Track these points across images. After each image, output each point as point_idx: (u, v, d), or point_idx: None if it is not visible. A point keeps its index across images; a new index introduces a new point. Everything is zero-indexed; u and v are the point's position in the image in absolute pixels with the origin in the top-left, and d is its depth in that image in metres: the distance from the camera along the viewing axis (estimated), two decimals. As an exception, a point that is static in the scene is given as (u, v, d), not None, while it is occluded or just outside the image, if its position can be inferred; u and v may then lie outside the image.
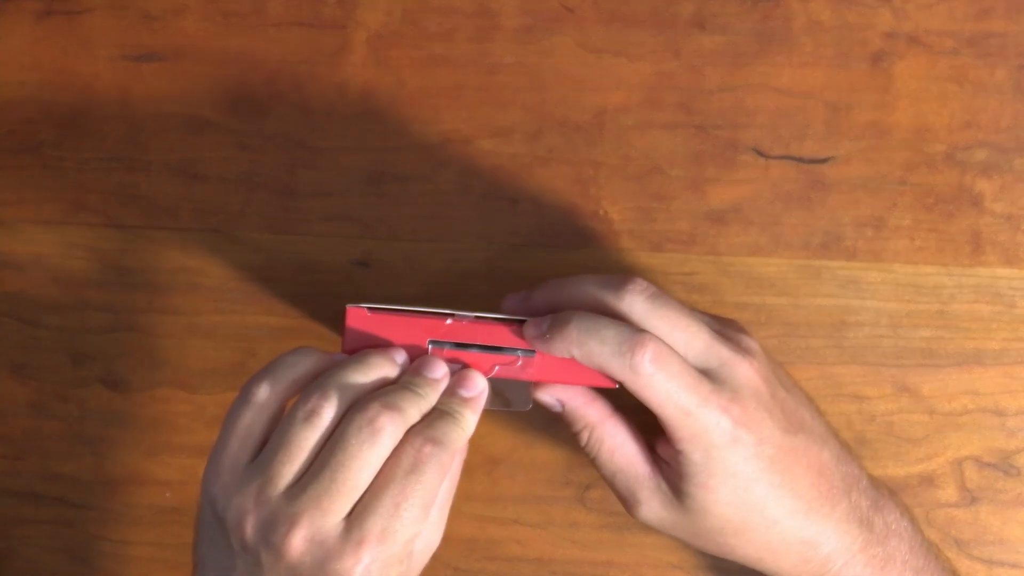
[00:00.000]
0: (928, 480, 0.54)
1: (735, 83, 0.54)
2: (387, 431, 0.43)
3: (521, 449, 0.55)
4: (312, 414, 0.44)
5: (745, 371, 0.47)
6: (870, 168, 0.54)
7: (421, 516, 0.44)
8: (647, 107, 0.55)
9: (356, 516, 0.43)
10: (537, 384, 0.48)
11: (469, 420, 0.46)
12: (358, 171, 0.56)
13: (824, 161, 0.54)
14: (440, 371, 0.46)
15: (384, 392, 0.45)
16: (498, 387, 0.47)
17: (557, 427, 0.54)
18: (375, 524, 0.43)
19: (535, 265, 0.55)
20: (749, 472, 0.46)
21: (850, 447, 0.51)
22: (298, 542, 0.42)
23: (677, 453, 0.46)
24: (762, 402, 0.47)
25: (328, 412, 0.44)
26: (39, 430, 0.57)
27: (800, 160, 0.54)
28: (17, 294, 0.57)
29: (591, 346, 0.46)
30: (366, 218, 0.56)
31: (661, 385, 0.45)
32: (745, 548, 0.48)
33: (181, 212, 0.56)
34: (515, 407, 0.48)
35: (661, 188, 0.54)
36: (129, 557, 0.57)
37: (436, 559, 0.55)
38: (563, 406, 0.48)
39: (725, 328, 0.49)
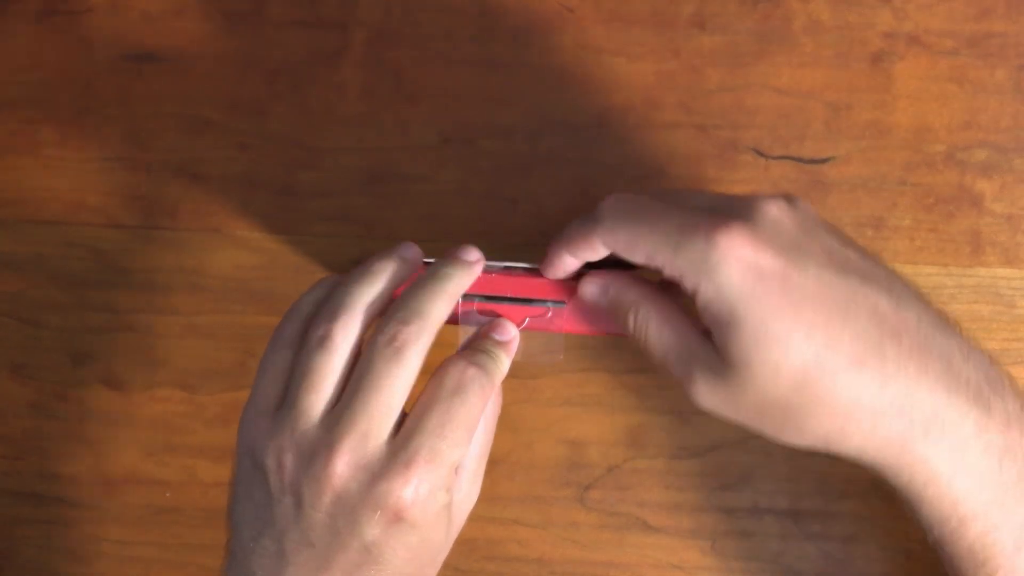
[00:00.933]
0: (928, 480, 0.54)
1: (735, 83, 0.54)
2: (410, 348, 0.42)
3: (521, 449, 0.55)
4: (324, 339, 0.43)
5: (767, 206, 0.41)
6: (870, 168, 0.54)
7: (465, 439, 0.43)
8: (647, 107, 0.55)
9: (401, 438, 0.42)
10: (567, 335, 0.47)
11: (504, 360, 0.45)
12: (358, 171, 0.56)
13: (824, 161, 0.54)
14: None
15: (400, 302, 0.43)
16: (529, 338, 0.47)
17: (557, 427, 0.54)
18: (422, 444, 0.42)
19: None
20: (784, 306, 0.39)
21: (957, 324, 0.43)
22: (341, 468, 0.41)
23: (697, 300, 0.41)
24: (789, 236, 0.41)
25: (339, 334, 0.43)
26: (39, 430, 0.57)
27: (800, 160, 0.54)
28: (17, 294, 0.57)
29: (564, 235, 0.45)
30: (366, 218, 0.56)
31: (636, 224, 0.42)
32: (816, 415, 0.40)
33: (181, 212, 0.56)
34: (546, 358, 0.47)
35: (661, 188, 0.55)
36: (129, 557, 0.57)
37: (436, 559, 0.55)
38: (608, 291, 0.45)
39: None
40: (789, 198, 0.43)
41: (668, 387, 0.54)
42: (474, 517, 0.55)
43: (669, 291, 0.45)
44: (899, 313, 0.41)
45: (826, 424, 0.41)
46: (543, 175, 0.55)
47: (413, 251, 0.46)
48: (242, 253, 0.56)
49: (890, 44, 0.54)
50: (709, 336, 0.42)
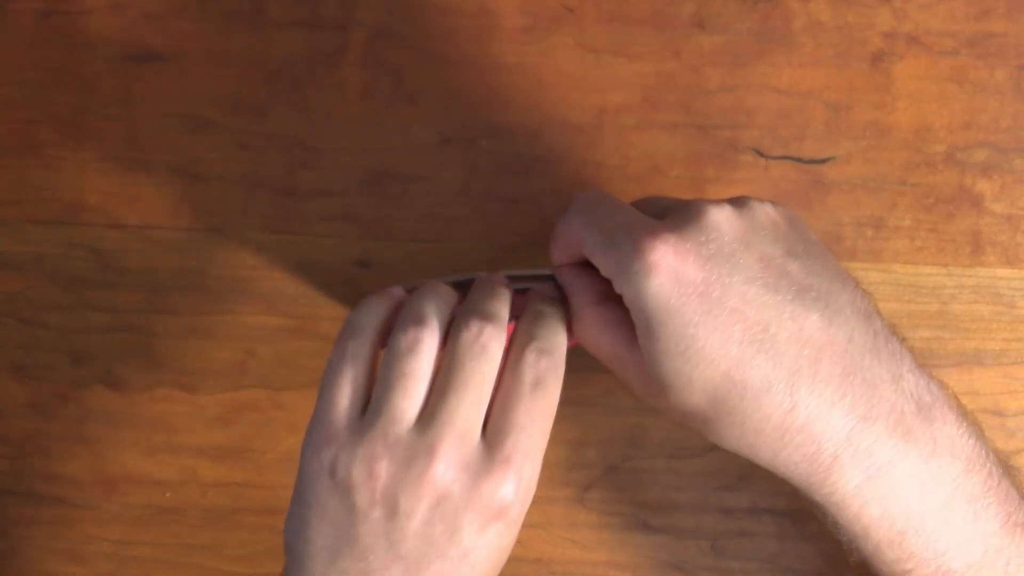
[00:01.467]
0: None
1: (735, 83, 0.54)
2: (495, 342, 0.42)
3: (521, 449, 0.55)
4: (415, 343, 0.42)
5: (708, 212, 0.41)
6: (870, 168, 0.54)
7: (549, 430, 0.42)
8: (647, 107, 0.55)
9: (492, 436, 0.41)
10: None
11: (564, 337, 0.44)
12: (358, 171, 0.56)
13: (824, 161, 0.54)
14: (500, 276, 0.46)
15: (472, 304, 0.43)
16: None
17: (557, 427, 0.54)
18: (517, 440, 0.41)
19: (535, 265, 0.55)
20: (700, 319, 0.39)
21: (900, 337, 0.42)
22: (443, 471, 0.40)
23: (624, 299, 0.41)
24: (721, 244, 0.40)
25: (429, 337, 0.42)
26: (39, 430, 0.57)
27: (800, 160, 0.54)
28: (17, 294, 0.57)
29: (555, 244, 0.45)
30: (366, 218, 0.56)
31: (588, 222, 0.42)
32: (729, 427, 0.40)
33: (181, 212, 0.56)
34: None
35: (661, 188, 0.54)
36: (129, 557, 0.57)
37: (436, 559, 0.55)
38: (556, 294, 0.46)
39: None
40: (742, 203, 0.42)
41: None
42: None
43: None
44: (828, 332, 0.40)
45: (738, 438, 0.41)
46: (543, 175, 0.55)
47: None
48: (242, 253, 0.56)
49: (890, 44, 0.54)
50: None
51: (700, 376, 0.40)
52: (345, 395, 0.42)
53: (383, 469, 0.41)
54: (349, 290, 0.55)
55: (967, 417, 0.42)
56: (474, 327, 0.42)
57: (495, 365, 0.42)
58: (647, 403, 0.44)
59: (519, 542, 0.55)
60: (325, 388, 0.43)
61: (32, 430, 0.57)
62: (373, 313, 0.44)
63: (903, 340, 0.42)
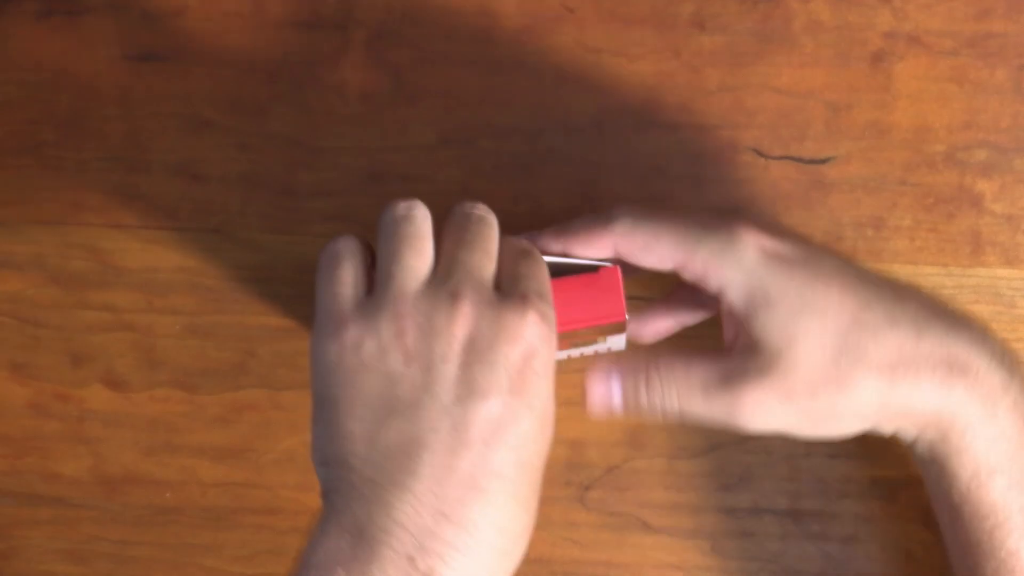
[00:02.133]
0: (928, 480, 0.54)
1: (735, 83, 0.54)
2: (491, 216, 0.44)
3: (521, 449, 0.55)
4: (409, 209, 0.43)
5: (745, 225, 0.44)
6: (870, 168, 0.54)
7: (550, 292, 0.43)
8: (647, 107, 0.55)
9: (506, 285, 0.42)
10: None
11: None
12: (358, 171, 0.56)
13: (824, 161, 0.54)
14: None
15: (466, 203, 0.45)
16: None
17: (557, 427, 0.54)
18: (527, 285, 0.42)
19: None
20: (805, 282, 0.42)
21: None
22: (468, 310, 0.40)
23: (725, 296, 0.43)
24: (801, 240, 0.44)
25: (420, 208, 0.43)
26: (39, 430, 0.57)
27: (800, 160, 0.54)
28: (17, 294, 0.57)
29: (566, 230, 0.46)
30: (366, 218, 0.55)
31: (649, 229, 0.44)
32: (862, 378, 0.42)
33: (181, 212, 0.56)
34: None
35: (661, 188, 0.54)
36: (129, 557, 0.57)
37: (436, 559, 0.55)
38: (617, 381, 0.46)
39: None
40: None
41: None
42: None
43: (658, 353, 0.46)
44: (910, 291, 0.44)
45: (871, 385, 0.42)
46: (543, 175, 0.55)
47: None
48: (242, 253, 0.56)
49: (890, 44, 0.54)
50: (728, 353, 0.44)
51: (830, 329, 0.42)
52: (347, 284, 0.42)
53: (409, 325, 0.40)
54: (349, 290, 0.55)
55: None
56: (472, 204, 0.44)
57: (495, 233, 0.43)
58: (754, 421, 0.44)
59: (519, 542, 0.55)
60: (323, 284, 0.42)
61: (32, 430, 0.57)
62: (353, 238, 0.44)
63: None
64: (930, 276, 0.54)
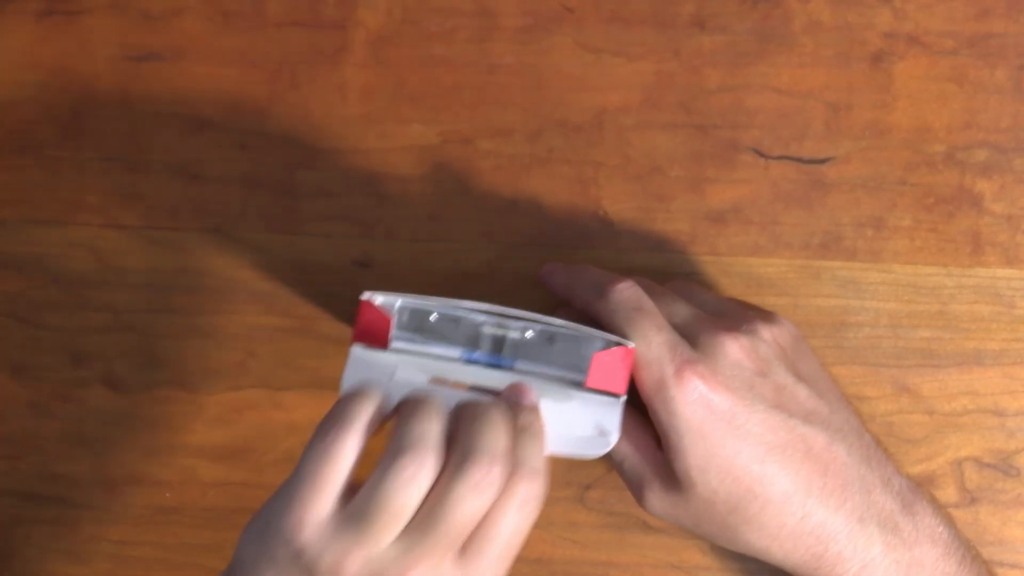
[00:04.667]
0: (928, 481, 0.54)
1: (735, 83, 0.54)
2: (499, 480, 0.42)
3: (521, 449, 0.55)
4: (415, 476, 0.41)
5: (730, 346, 0.46)
6: (870, 168, 0.54)
7: (519, 547, 0.43)
8: (647, 107, 0.55)
9: (469, 558, 0.42)
10: None
11: (543, 430, 0.45)
12: (358, 171, 0.56)
13: (824, 161, 0.54)
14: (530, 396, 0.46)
15: (477, 437, 0.42)
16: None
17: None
18: (489, 568, 0.42)
19: (535, 265, 0.55)
20: (728, 442, 0.45)
21: (883, 447, 0.49)
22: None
23: (654, 415, 0.46)
24: (744, 377, 0.46)
25: (427, 469, 0.41)
26: (39, 430, 0.57)
27: (800, 160, 0.54)
28: (17, 294, 0.57)
29: (576, 286, 0.49)
30: (366, 218, 0.56)
31: (633, 320, 0.46)
32: (746, 533, 0.47)
33: (181, 212, 0.56)
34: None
35: (661, 188, 0.54)
36: (129, 557, 0.57)
37: (436, 559, 0.55)
38: None
39: (736, 310, 0.49)
40: (754, 332, 0.48)
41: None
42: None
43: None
44: (831, 449, 0.47)
45: (754, 541, 0.47)
46: (543, 175, 0.55)
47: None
48: (242, 253, 0.56)
49: (890, 44, 0.54)
50: (662, 449, 0.47)
51: (725, 489, 0.46)
52: (328, 487, 0.42)
53: (351, 571, 0.41)
54: (349, 290, 0.55)
55: (941, 509, 0.49)
56: (483, 466, 0.41)
57: (493, 498, 0.42)
58: (650, 510, 0.48)
59: (519, 542, 0.55)
60: (307, 468, 0.42)
61: (32, 430, 0.57)
62: (365, 407, 0.43)
63: (883, 448, 0.50)
64: (930, 276, 0.54)
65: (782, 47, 0.54)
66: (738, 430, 0.45)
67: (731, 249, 0.54)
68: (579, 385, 0.46)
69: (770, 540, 0.47)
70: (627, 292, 0.47)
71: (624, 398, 0.46)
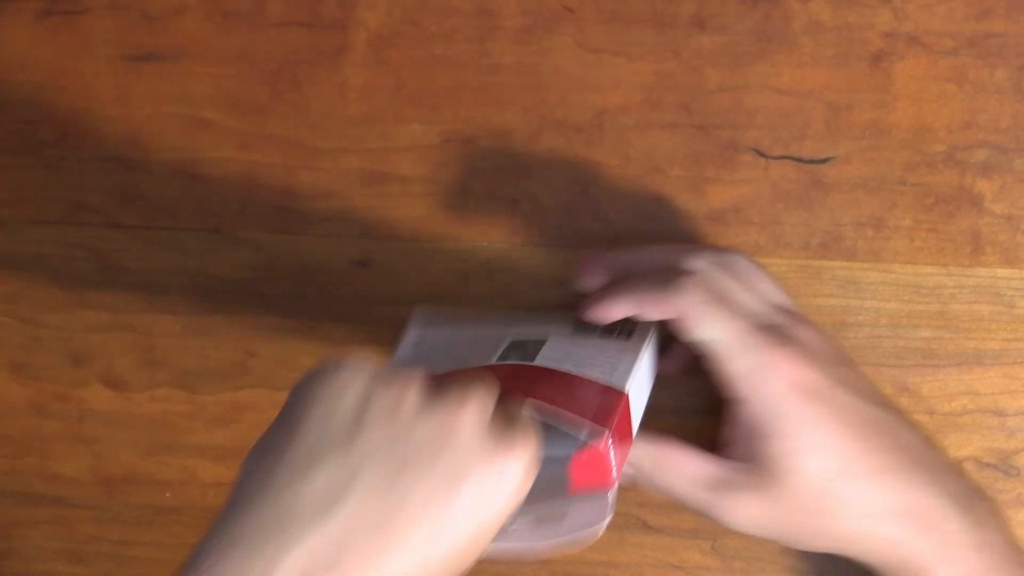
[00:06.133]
0: (928, 480, 0.54)
1: (735, 83, 0.54)
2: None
3: (521, 449, 0.55)
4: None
5: (810, 333, 0.47)
6: (870, 168, 0.54)
7: None
8: (647, 107, 0.55)
9: (502, 423, 0.42)
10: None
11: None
12: (358, 171, 0.56)
13: (824, 161, 0.54)
14: None
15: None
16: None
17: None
18: (525, 433, 0.42)
19: (535, 265, 0.55)
20: (823, 421, 0.45)
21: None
22: (468, 420, 0.40)
23: (742, 407, 0.46)
24: (830, 361, 0.47)
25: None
26: (39, 430, 0.57)
27: (800, 160, 0.54)
28: (17, 294, 0.57)
29: (639, 289, 0.48)
30: (366, 218, 0.56)
31: (707, 314, 0.46)
32: (841, 519, 0.46)
33: (181, 212, 0.56)
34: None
35: (661, 188, 0.55)
36: (129, 557, 0.57)
37: (436, 559, 0.55)
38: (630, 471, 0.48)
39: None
40: (810, 324, 0.49)
41: (668, 386, 0.54)
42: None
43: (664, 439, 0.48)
44: (903, 434, 0.47)
45: (842, 525, 0.46)
46: (543, 175, 0.55)
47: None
48: (242, 253, 0.56)
49: (890, 44, 0.54)
50: (726, 456, 0.47)
51: (821, 469, 0.46)
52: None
53: (409, 401, 0.40)
54: (349, 290, 0.55)
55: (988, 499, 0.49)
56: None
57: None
58: (737, 522, 0.47)
59: (519, 542, 0.55)
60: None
61: (32, 430, 0.57)
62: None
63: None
64: (930, 276, 0.54)
65: (782, 47, 0.54)
66: (830, 408, 0.46)
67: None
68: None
69: (858, 521, 0.46)
70: (695, 287, 0.47)
71: (614, 489, 0.44)
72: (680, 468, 0.47)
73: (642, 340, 0.49)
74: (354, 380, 0.41)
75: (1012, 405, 0.54)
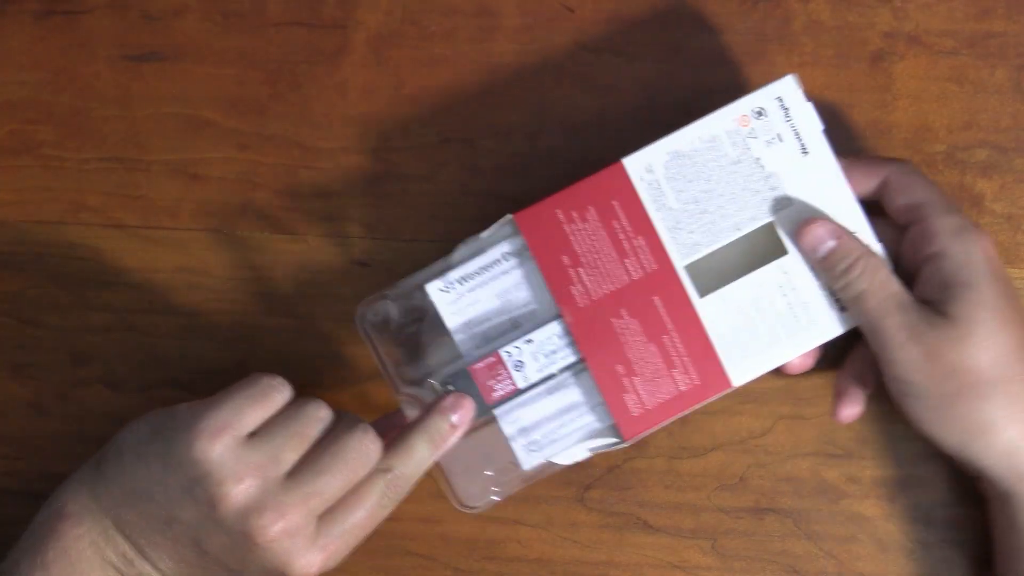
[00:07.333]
0: (927, 480, 0.54)
1: (735, 83, 0.54)
2: (376, 455, 0.47)
3: (521, 449, 0.55)
4: (319, 415, 0.48)
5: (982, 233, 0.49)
6: (870, 168, 0.54)
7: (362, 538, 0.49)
8: (647, 107, 0.55)
9: (327, 524, 0.47)
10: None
11: (429, 459, 0.49)
12: (358, 171, 0.56)
13: (824, 161, 0.54)
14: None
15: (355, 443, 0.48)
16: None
17: (557, 427, 0.54)
18: (341, 538, 0.47)
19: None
20: (1010, 293, 0.48)
21: None
22: (277, 531, 0.45)
23: (943, 261, 0.48)
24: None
25: (325, 416, 0.48)
26: (39, 430, 0.57)
27: (800, 160, 0.54)
28: (17, 294, 0.57)
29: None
30: (366, 218, 0.56)
31: (924, 178, 0.49)
32: (1004, 395, 0.48)
33: (181, 212, 0.56)
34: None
35: (661, 188, 0.54)
36: (129, 557, 0.57)
37: (436, 559, 0.55)
38: (839, 236, 0.49)
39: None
40: None
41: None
42: (474, 517, 0.55)
43: None
44: None
45: (996, 404, 0.47)
46: (543, 175, 0.55)
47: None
48: (242, 253, 0.56)
49: (890, 44, 0.54)
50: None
51: (1005, 332, 0.47)
52: (250, 415, 0.47)
53: (239, 494, 0.45)
54: (349, 290, 0.55)
55: None
56: (367, 435, 0.47)
57: (369, 469, 0.47)
58: (903, 352, 0.48)
59: (519, 542, 0.55)
60: (241, 395, 0.47)
61: (32, 430, 0.57)
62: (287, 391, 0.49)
63: None
64: (930, 276, 0.54)
65: (782, 47, 0.54)
66: (1010, 290, 0.48)
67: (731, 249, 0.54)
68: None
69: (1013, 405, 0.48)
70: (901, 161, 0.50)
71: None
72: (881, 279, 0.48)
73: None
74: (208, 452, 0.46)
75: (1012, 405, 0.54)
